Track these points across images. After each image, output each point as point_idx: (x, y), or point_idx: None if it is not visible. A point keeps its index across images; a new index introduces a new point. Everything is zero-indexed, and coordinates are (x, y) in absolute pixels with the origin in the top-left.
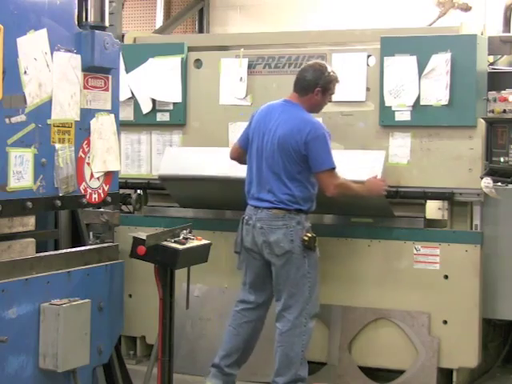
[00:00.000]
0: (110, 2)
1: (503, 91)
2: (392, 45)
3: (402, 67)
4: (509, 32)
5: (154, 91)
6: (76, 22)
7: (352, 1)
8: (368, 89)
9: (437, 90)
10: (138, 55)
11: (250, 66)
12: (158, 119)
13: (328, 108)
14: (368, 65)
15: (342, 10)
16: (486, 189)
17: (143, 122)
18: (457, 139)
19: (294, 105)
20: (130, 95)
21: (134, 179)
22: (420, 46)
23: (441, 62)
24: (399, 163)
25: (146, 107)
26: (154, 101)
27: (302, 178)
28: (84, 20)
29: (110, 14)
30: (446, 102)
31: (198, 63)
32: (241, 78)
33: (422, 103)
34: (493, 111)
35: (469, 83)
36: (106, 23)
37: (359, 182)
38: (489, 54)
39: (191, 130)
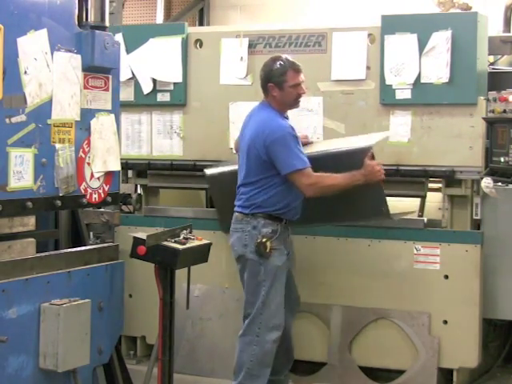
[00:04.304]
0: (110, 1)
1: (503, 91)
2: (392, 23)
3: (402, 45)
4: (509, 32)
5: (154, 71)
6: (76, 22)
7: (352, 1)
8: (368, 67)
9: (437, 68)
10: (138, 36)
11: (250, 46)
12: (158, 99)
13: (328, 87)
14: (369, 43)
15: (342, 10)
16: (486, 189)
17: (144, 102)
18: (457, 117)
19: (265, 105)
20: (131, 75)
21: (134, 160)
22: (420, 24)
23: (441, 40)
24: (400, 141)
25: (146, 87)
26: (154, 81)
27: (264, 183)
28: (84, 20)
29: (111, 13)
30: (447, 80)
31: (199, 43)
32: (241, 58)
33: (422, 81)
34: (493, 111)
35: (469, 61)
36: (107, 23)
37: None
38: (489, 54)
39: (192, 110)
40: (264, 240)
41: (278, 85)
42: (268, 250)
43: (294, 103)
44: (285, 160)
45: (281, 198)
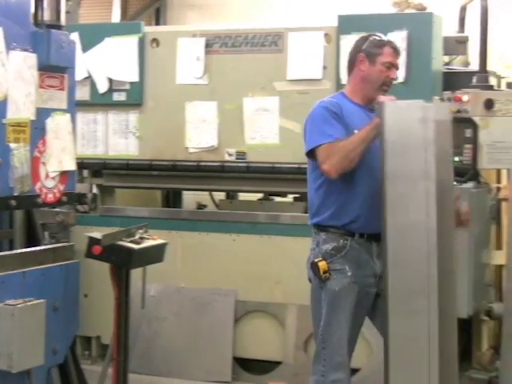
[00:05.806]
0: (66, 0)
1: (458, 91)
2: (348, 23)
3: None
4: (464, 32)
5: (110, 70)
6: (32, 21)
7: (311, 2)
8: (325, 67)
9: None
10: (94, 35)
11: (207, 46)
12: (114, 99)
13: (284, 86)
14: (325, 43)
15: (301, 11)
16: None
17: (99, 101)
18: None
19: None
20: (87, 75)
21: (89, 159)
22: (376, 24)
23: (397, 40)
24: None
25: (102, 87)
26: (110, 80)
27: (314, 179)
28: (40, 19)
29: (67, 12)
30: (403, 80)
31: (155, 42)
32: (198, 58)
33: None
34: None
35: (425, 61)
36: (63, 22)
37: None
38: (444, 54)
39: (148, 110)
40: (317, 260)
41: (371, 57)
42: (322, 273)
43: (379, 88)
44: (307, 139)
45: (334, 198)
